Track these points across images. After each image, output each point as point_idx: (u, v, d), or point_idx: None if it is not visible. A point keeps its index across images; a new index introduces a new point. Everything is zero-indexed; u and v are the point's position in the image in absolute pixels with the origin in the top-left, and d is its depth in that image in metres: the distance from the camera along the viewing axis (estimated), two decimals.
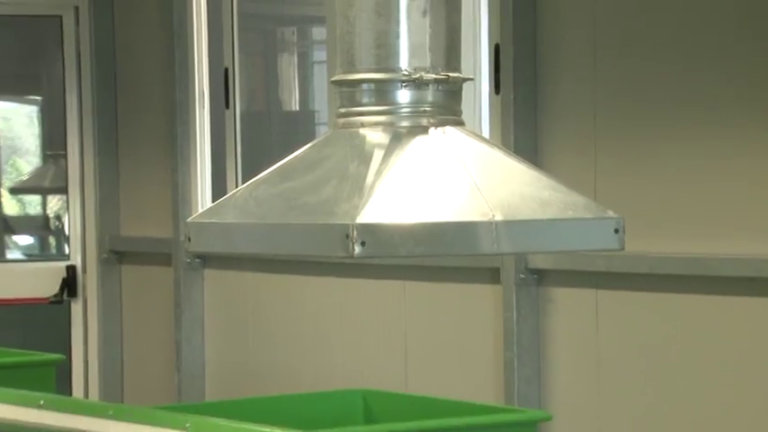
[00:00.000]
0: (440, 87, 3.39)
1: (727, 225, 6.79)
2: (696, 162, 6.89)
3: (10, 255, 10.58)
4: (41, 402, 5.59)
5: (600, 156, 7.10)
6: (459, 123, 3.42)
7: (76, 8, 9.79)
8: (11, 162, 10.68)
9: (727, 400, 6.84)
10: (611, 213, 3.43)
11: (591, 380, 7.40)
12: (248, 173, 8.59)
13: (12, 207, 10.62)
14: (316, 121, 9.87)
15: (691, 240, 6.87)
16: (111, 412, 5.55)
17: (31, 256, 10.65)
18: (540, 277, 7.56)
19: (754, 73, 6.71)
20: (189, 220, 3.74)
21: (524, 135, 7.36)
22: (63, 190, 10.08)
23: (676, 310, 7.04)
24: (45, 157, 10.38)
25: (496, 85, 7.52)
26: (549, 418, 6.43)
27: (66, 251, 10.08)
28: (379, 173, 3.29)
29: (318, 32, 9.77)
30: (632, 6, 7.17)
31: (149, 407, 5.96)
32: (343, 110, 3.42)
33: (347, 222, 3.21)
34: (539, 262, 7.51)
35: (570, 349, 7.50)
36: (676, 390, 7.06)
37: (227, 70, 9.33)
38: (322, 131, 9.29)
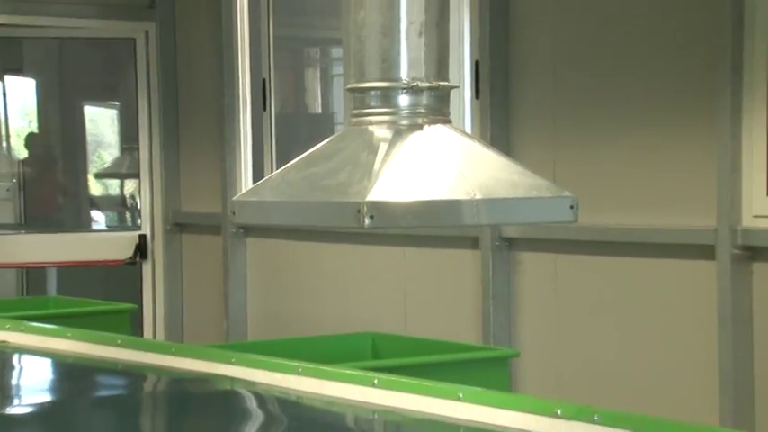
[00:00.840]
0: (432, 93, 3.44)
1: (656, 203, 6.85)
2: (633, 153, 6.95)
3: (95, 226, 10.59)
4: (118, 341, 5.63)
5: (558, 148, 7.16)
6: (448, 122, 3.47)
7: (146, 32, 9.77)
8: (96, 154, 10.76)
9: (655, 338, 6.90)
10: (567, 193, 3.49)
11: (550, 325, 7.48)
12: (281, 161, 8.62)
13: (96, 189, 10.69)
14: (334, 121, 9.87)
15: (629, 215, 6.93)
16: (173, 350, 5.59)
17: (111, 227, 10.68)
18: (511, 244, 7.63)
19: (676, 84, 6.77)
20: (234, 198, 3.81)
21: (498, 131, 7.41)
22: (136, 175, 10.09)
23: (617, 270, 7.11)
24: (122, 150, 10.41)
25: (476, 92, 7.58)
26: (517, 355, 6.51)
27: (139, 223, 10.10)
28: (383, 161, 3.36)
29: (336, 51, 9.75)
30: (582, 32, 7.22)
31: (203, 345, 6.00)
32: (355, 111, 3.48)
33: (358, 200, 3.29)
34: (510, 231, 7.57)
35: (534, 301, 7.57)
36: (617, 332, 7.13)
37: (264, 81, 9.35)
38: (339, 129, 9.32)
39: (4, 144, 10.58)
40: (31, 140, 10.76)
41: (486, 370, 5.60)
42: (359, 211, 3.28)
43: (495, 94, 7.56)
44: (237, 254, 9.49)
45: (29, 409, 4.96)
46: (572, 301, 7.46)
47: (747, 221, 6.50)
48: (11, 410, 4.93)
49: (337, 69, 9.83)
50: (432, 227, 7.40)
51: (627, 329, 7.07)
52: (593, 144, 7.15)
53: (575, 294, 7.45)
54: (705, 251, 6.62)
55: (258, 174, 9.24)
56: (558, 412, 4.00)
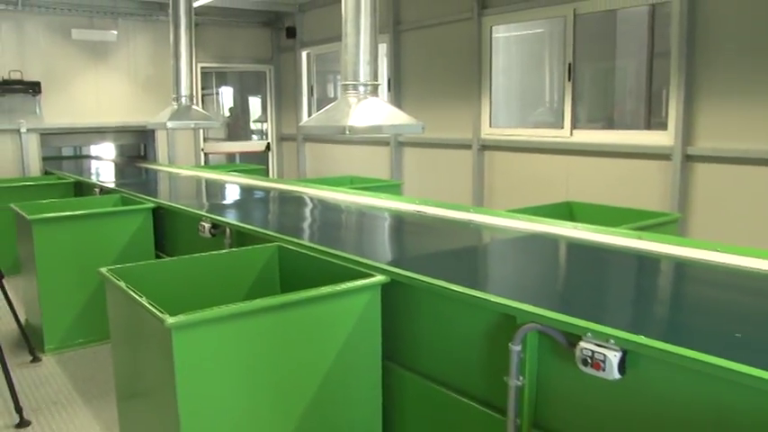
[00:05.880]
0: (372, 86, 3.42)
1: (452, 127, 6.76)
2: (444, 111, 6.82)
3: (252, 138, 10.25)
4: (261, 178, 5.52)
5: (420, 107, 6.99)
6: (377, 96, 3.45)
7: (270, 69, 9.43)
8: (253, 114, 10.41)
9: (452, 177, 6.84)
10: (420, 123, 3.50)
11: (416, 174, 7.37)
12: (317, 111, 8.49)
13: (253, 126, 10.34)
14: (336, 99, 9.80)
15: (442, 132, 6.84)
16: (286, 182, 5.51)
17: (257, 139, 10.15)
18: (401, 143, 7.44)
19: (460, 85, 6.64)
20: (300, 124, 3.77)
21: (396, 101, 7.19)
22: (265, 120, 9.77)
23: (439, 154, 6.97)
24: (262, 113, 10.03)
25: (389, 88, 7.39)
26: (402, 183, 6.44)
27: (267, 138, 9.85)
28: (353, 109, 3.34)
29: (338, 76, 9.50)
30: (430, 64, 7.05)
31: (290, 179, 5.94)
32: (343, 92, 3.45)
33: (344, 125, 3.26)
34: (402, 139, 7.42)
35: (410, 164, 7.39)
36: (439, 175, 7.02)
37: (312, 86, 9.12)
38: (337, 99, 9.27)
39: (221, 111, 10.23)
40: (231, 110, 10.48)
41: (394, 190, 5.57)
42: (345, 129, 3.26)
43: (396, 88, 7.34)
44: (302, 149, 9.19)
45: (230, 201, 4.90)
46: (423, 165, 7.27)
47: (483, 136, 6.46)
48: (225, 202, 4.85)
49: (338, 81, 9.63)
50: (373, 136, 7.35)
51: (442, 175, 7.00)
52: (435, 107, 6.94)
53: (424, 163, 7.26)
54: (467, 147, 6.58)
55: (309, 116, 8.98)
56: (416, 202, 4.01)
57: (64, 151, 9.06)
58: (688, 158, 4.81)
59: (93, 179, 6.20)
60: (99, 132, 8.33)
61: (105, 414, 3.31)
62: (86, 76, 8.12)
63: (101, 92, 8.21)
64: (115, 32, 8.17)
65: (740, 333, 1.73)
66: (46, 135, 7.92)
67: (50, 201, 4.75)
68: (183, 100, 6.09)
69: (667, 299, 2.21)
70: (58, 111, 7.92)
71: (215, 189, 5.52)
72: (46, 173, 7.51)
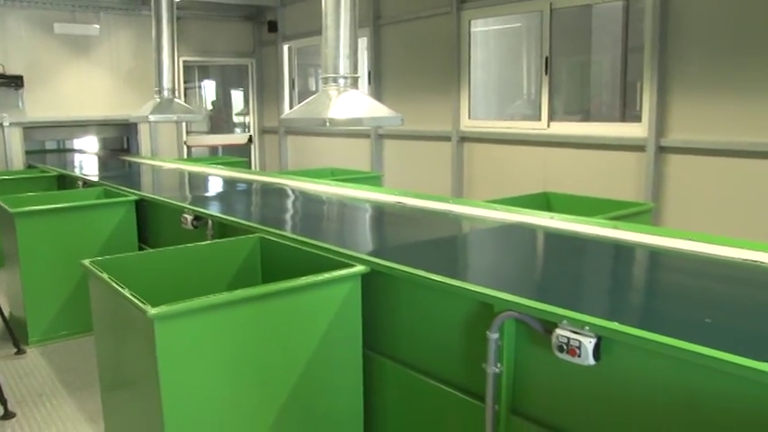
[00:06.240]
0: (352, 78, 3.37)
1: (433, 120, 6.74)
2: (424, 105, 6.80)
3: (235, 131, 10.08)
4: (244, 171, 5.47)
5: (400, 100, 6.94)
6: (356, 89, 3.40)
7: (252, 62, 9.31)
8: (235, 108, 10.24)
9: (432, 167, 6.82)
10: (400, 115, 3.46)
11: (396, 164, 7.34)
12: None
13: (236, 119, 10.18)
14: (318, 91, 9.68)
15: (422, 125, 6.82)
16: (264, 174, 5.47)
17: (241, 132, 10.07)
18: (382, 135, 7.38)
19: (440, 80, 6.60)
20: (281, 116, 3.73)
21: (376, 94, 7.16)
22: (247, 114, 9.64)
23: (419, 146, 6.94)
24: (245, 106, 9.90)
25: (369, 81, 7.34)
26: (382, 175, 6.40)
27: (249, 130, 9.76)
28: (334, 102, 3.29)
29: (319, 69, 9.45)
30: (406, 59, 7.00)
31: (272, 171, 5.89)
32: (324, 85, 3.40)
33: (325, 117, 3.23)
34: (382, 131, 7.36)
35: (391, 154, 7.37)
36: (418, 167, 6.98)
37: (293, 79, 9.04)
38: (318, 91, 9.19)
39: (203, 104, 10.07)
40: (213, 103, 10.32)
41: (374, 181, 5.54)
42: (326, 121, 3.22)
43: (376, 81, 7.29)
44: (284, 142, 9.10)
45: (212, 194, 4.84)
46: (403, 157, 7.23)
47: (462, 128, 6.45)
48: (208, 194, 4.80)
49: (319, 74, 9.56)
50: (353, 128, 7.31)
51: (422, 167, 6.97)
52: (414, 99, 6.91)
53: (404, 155, 7.22)
54: (446, 139, 6.55)
55: (291, 109, 8.93)
56: (396, 193, 3.99)
57: (47, 145, 8.95)
58: (661, 150, 4.84)
59: (77, 172, 6.13)
60: (82, 126, 8.25)
61: (89, 405, 3.27)
62: (69, 70, 8.01)
63: (83, 85, 8.12)
64: (97, 26, 8.08)
65: (710, 319, 1.74)
66: (29, 129, 7.80)
67: (34, 194, 4.68)
68: (166, 93, 6.04)
69: (641, 286, 2.22)
70: (40, 104, 7.81)
71: (197, 181, 5.46)
72: (29, 166, 7.41)
